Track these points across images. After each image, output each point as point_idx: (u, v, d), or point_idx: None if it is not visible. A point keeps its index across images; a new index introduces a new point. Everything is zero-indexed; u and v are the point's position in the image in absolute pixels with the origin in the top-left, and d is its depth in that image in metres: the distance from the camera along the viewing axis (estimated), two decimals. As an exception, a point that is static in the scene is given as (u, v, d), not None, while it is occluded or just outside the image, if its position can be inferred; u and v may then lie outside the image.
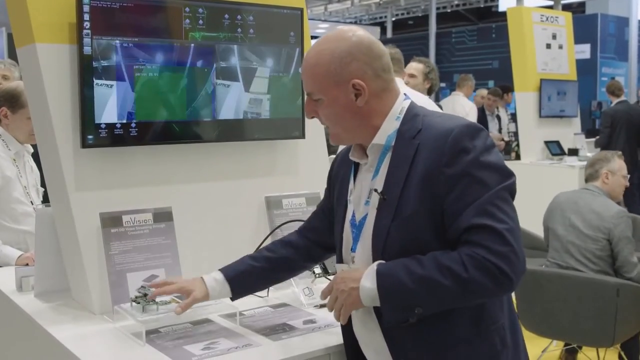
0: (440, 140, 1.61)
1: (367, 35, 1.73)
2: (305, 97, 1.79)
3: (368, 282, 1.62)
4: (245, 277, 2.00)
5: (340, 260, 1.85)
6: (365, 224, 1.73)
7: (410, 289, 1.58)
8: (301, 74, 1.79)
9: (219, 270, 2.00)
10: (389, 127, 1.72)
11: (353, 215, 1.78)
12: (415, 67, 5.02)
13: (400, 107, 1.74)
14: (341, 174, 1.90)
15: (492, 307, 1.68)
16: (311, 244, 2.04)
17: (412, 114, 1.73)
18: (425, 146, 1.64)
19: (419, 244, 1.62)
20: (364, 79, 1.69)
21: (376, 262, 1.65)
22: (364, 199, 1.75)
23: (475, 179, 1.58)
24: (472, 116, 7.90)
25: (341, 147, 1.96)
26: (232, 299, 2.01)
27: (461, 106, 8.27)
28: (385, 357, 1.72)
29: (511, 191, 1.63)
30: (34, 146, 3.19)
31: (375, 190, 1.69)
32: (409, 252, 1.62)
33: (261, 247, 2.16)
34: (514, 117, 9.36)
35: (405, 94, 1.79)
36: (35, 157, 3.21)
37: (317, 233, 2.03)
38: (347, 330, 1.84)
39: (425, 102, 3.73)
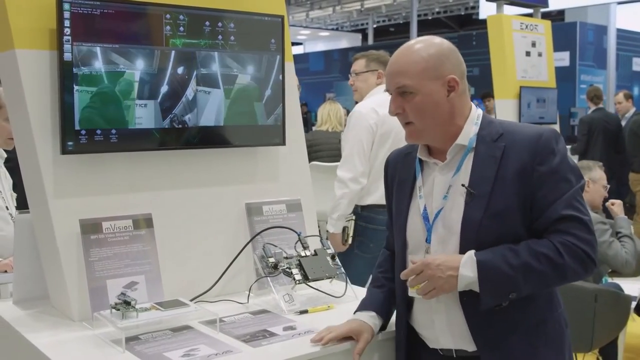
0: (532, 142, 1.83)
1: (450, 43, 1.93)
2: (392, 94, 1.90)
3: (468, 271, 1.77)
4: (385, 305, 2.08)
5: (403, 250, 1.98)
6: (441, 216, 1.88)
7: (510, 276, 1.76)
8: (389, 72, 1.91)
9: (361, 310, 2.04)
10: (470, 130, 1.91)
11: (425, 209, 1.93)
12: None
13: (476, 113, 1.94)
14: (397, 177, 2.06)
15: (557, 291, 1.94)
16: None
17: (488, 120, 1.94)
18: (513, 148, 1.84)
19: (512, 235, 1.81)
20: (455, 78, 1.87)
21: (471, 252, 1.80)
22: (441, 193, 1.90)
23: (562, 177, 1.82)
24: None
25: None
26: (382, 328, 2.06)
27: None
28: (461, 339, 1.87)
29: (583, 190, 1.89)
30: (8, 152, 3.17)
31: (463, 185, 1.86)
32: (503, 243, 1.80)
33: (374, 277, 2.17)
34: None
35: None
36: (8, 162, 3.19)
37: None
38: (402, 317, 2.00)
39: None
